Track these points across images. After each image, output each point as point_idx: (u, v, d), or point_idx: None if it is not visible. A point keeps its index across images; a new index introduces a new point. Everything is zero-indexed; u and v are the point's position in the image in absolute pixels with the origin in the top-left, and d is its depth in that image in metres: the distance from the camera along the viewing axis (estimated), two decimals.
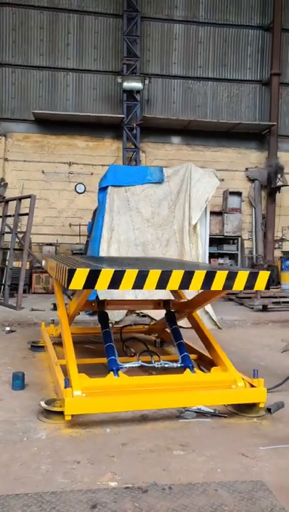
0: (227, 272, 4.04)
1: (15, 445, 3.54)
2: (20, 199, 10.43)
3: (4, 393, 4.68)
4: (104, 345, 4.92)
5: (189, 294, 6.33)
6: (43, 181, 13.99)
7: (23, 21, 13.89)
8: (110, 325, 5.65)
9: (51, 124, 13.86)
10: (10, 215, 10.59)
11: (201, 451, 3.53)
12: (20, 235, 10.84)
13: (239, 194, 14.24)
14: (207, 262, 9.64)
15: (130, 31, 13.83)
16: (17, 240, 10.45)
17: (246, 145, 14.88)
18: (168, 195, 9.02)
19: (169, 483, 3.01)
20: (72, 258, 6.34)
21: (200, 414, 4.20)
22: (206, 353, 5.33)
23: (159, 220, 8.97)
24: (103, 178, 9.42)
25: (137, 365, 4.77)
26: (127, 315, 8.54)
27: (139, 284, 3.81)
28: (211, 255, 11.87)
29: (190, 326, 6.30)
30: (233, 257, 14.08)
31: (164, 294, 6.57)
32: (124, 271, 3.77)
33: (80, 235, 13.67)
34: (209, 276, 3.98)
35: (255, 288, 4.15)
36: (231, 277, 4.03)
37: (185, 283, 3.93)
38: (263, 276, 4.13)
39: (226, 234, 13.76)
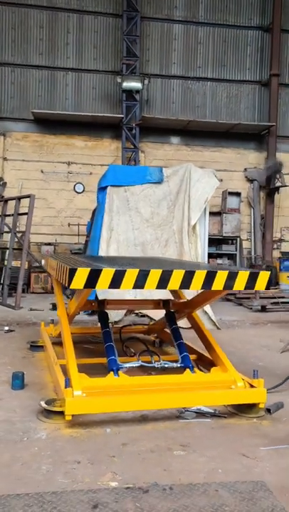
0: (228, 271, 4.04)
1: (15, 445, 3.53)
2: (19, 198, 10.42)
3: (4, 393, 4.68)
4: (104, 345, 4.92)
5: (189, 294, 6.34)
6: (41, 181, 13.97)
7: (23, 20, 13.87)
8: (110, 325, 5.64)
9: (50, 124, 13.84)
10: (9, 215, 10.58)
11: (202, 451, 3.53)
12: (19, 235, 10.82)
13: (238, 194, 14.24)
14: (206, 262, 9.65)
15: (130, 31, 13.82)
16: (16, 240, 10.43)
17: (245, 145, 14.89)
18: (167, 196, 9.03)
19: (170, 484, 3.02)
20: (72, 257, 6.33)
21: (200, 414, 4.21)
22: (206, 354, 5.33)
23: (158, 220, 8.97)
24: (102, 177, 9.42)
25: (137, 365, 4.77)
26: (126, 315, 8.54)
27: (140, 283, 3.82)
28: (210, 255, 11.86)
29: (189, 326, 6.31)
30: (231, 257, 14.08)
31: (164, 295, 6.58)
32: (125, 270, 3.78)
33: (78, 235, 13.66)
34: (210, 276, 3.99)
35: (256, 288, 4.16)
36: (232, 277, 4.04)
37: (186, 283, 3.93)
38: (264, 277, 4.14)
39: (224, 234, 13.76)
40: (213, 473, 3.22)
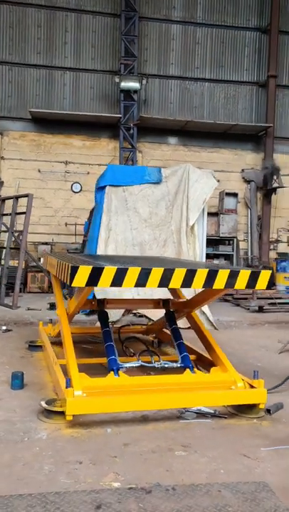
0: (229, 270, 4.05)
1: (16, 445, 3.52)
2: (17, 198, 10.39)
3: (3, 393, 4.66)
4: (104, 345, 4.91)
5: (188, 294, 6.35)
6: (39, 180, 13.93)
7: (21, 19, 13.83)
8: (110, 325, 5.63)
9: (48, 123, 13.80)
10: (6, 214, 10.55)
11: (203, 451, 3.53)
12: (16, 234, 10.78)
13: (235, 195, 14.26)
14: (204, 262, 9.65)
15: (128, 31, 13.81)
16: (13, 239, 10.40)
17: (242, 146, 14.91)
18: (166, 196, 9.03)
19: (173, 484, 3.01)
20: (71, 256, 6.32)
21: (200, 414, 4.21)
22: (205, 354, 5.33)
23: (156, 220, 8.97)
24: (101, 177, 9.40)
25: (137, 365, 4.76)
26: (124, 315, 8.53)
27: (141, 281, 3.82)
28: (207, 256, 11.84)
29: (187, 326, 6.31)
30: (228, 257, 14.08)
31: (163, 295, 6.58)
32: (127, 269, 3.78)
33: (75, 235, 13.63)
34: (211, 275, 4.00)
35: (257, 287, 4.16)
36: (233, 276, 4.05)
37: (188, 281, 3.94)
38: (265, 276, 4.14)
39: (221, 235, 13.77)
40: (215, 473, 3.22)
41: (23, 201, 10.26)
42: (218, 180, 9.72)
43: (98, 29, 14.19)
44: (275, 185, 14.38)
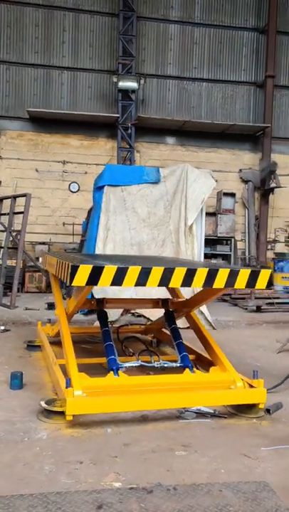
0: (229, 269, 4.06)
1: (16, 445, 3.51)
2: (15, 197, 10.36)
3: (3, 393, 4.65)
4: (103, 345, 4.90)
5: (186, 293, 6.35)
6: (36, 180, 13.91)
7: (18, 18, 13.80)
8: (110, 324, 5.63)
9: (45, 123, 13.78)
10: (4, 214, 10.52)
11: (203, 451, 3.53)
12: (14, 234, 10.75)
13: (233, 195, 14.28)
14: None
15: (126, 30, 13.80)
16: (10, 239, 10.38)
17: (240, 146, 14.93)
18: (164, 196, 9.03)
19: (174, 484, 3.01)
20: (71, 255, 6.31)
21: (200, 414, 4.21)
22: (204, 354, 5.34)
23: (155, 220, 8.97)
24: (99, 177, 9.40)
25: (136, 364, 4.75)
26: (122, 315, 8.52)
27: (142, 281, 3.82)
28: (205, 256, 11.84)
29: (186, 326, 6.32)
30: (226, 257, 14.09)
31: (162, 294, 6.58)
32: (128, 268, 3.78)
33: (73, 234, 13.62)
34: (211, 274, 4.00)
35: (257, 286, 4.17)
36: (233, 275, 4.06)
37: (188, 280, 3.94)
38: (265, 275, 4.15)
39: (219, 235, 13.78)
40: (215, 473, 3.22)
41: (20, 201, 10.24)
42: (216, 181, 9.71)
43: (96, 29, 14.18)
44: (273, 185, 14.40)
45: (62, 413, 3.87)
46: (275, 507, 2.82)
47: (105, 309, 5.60)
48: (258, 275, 4.13)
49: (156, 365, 4.81)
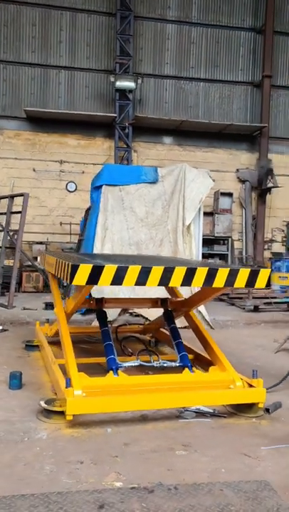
0: (229, 269, 4.07)
1: (16, 445, 3.50)
2: (12, 197, 10.34)
3: (2, 393, 4.64)
4: (103, 344, 4.90)
5: (185, 293, 6.35)
6: (33, 179, 13.87)
7: (15, 18, 13.76)
8: (109, 324, 5.63)
9: (43, 122, 13.75)
10: (1, 213, 10.50)
11: (204, 451, 3.53)
12: (11, 233, 10.73)
13: (230, 195, 14.29)
14: None
15: (123, 30, 13.79)
16: (8, 238, 10.35)
17: (237, 146, 14.94)
18: (162, 195, 9.03)
19: (175, 484, 3.01)
20: (70, 255, 6.30)
21: (199, 414, 4.21)
22: (203, 353, 5.34)
23: (153, 219, 8.97)
24: (97, 176, 9.39)
25: (136, 364, 4.75)
26: (120, 314, 8.52)
27: (142, 280, 3.82)
28: (202, 255, 11.88)
29: (183, 326, 6.33)
30: (223, 257, 14.11)
31: (161, 294, 6.58)
32: (128, 267, 3.77)
33: (70, 234, 13.59)
34: (211, 273, 4.00)
35: (256, 285, 4.17)
36: (233, 274, 4.07)
37: (188, 280, 3.94)
38: (264, 274, 4.16)
39: (216, 234, 13.79)
40: (216, 472, 3.22)
41: (18, 200, 10.21)
42: (214, 180, 9.72)
43: (93, 28, 14.15)
44: (270, 185, 14.43)
45: (62, 413, 3.87)
46: (276, 506, 2.83)
47: (104, 309, 5.60)
48: (257, 274, 4.14)
49: (155, 365, 4.81)
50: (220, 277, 4.02)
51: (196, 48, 14.70)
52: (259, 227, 14.79)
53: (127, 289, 8.31)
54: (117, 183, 8.86)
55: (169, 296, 6.09)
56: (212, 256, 13.85)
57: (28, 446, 3.49)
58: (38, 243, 13.42)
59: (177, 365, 4.84)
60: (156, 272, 3.85)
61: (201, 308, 8.28)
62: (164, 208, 9.03)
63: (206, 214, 13.24)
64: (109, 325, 5.62)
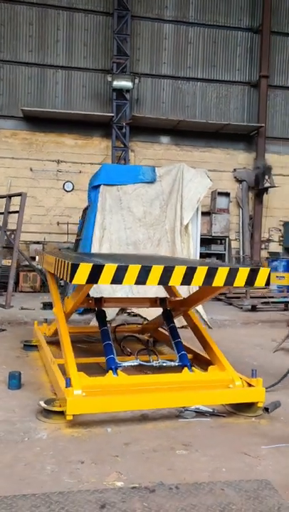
0: (229, 268, 4.07)
1: (17, 445, 3.50)
2: (10, 196, 10.32)
3: (1, 393, 4.63)
4: (102, 344, 4.90)
5: (184, 293, 6.36)
6: (30, 179, 13.85)
7: (12, 17, 13.72)
8: (109, 324, 5.63)
9: (40, 122, 13.73)
10: None
11: (204, 450, 3.54)
12: (8, 233, 10.70)
13: (227, 195, 14.30)
14: None
15: (120, 30, 13.77)
16: (5, 238, 10.32)
17: (234, 146, 14.96)
18: (160, 195, 9.03)
19: (176, 483, 3.01)
20: (68, 254, 6.30)
21: (199, 413, 4.22)
22: (202, 353, 5.35)
23: (150, 219, 8.96)
24: (95, 176, 9.38)
25: (135, 363, 4.75)
26: (118, 314, 8.51)
27: (141, 279, 3.82)
28: (199, 255, 11.90)
29: (181, 325, 6.33)
30: (220, 257, 14.11)
31: (156, 294, 6.58)
32: (128, 266, 3.77)
33: (67, 234, 13.58)
34: (211, 272, 4.01)
35: (256, 284, 4.18)
36: (233, 273, 4.07)
37: (187, 279, 3.95)
38: (264, 273, 4.16)
39: (213, 234, 13.79)
40: (217, 472, 3.23)
41: (15, 200, 10.19)
42: (212, 180, 9.72)
43: (90, 27, 14.14)
44: (267, 184, 14.45)
45: (61, 413, 3.87)
46: (277, 505, 2.83)
47: (103, 308, 5.59)
48: (257, 273, 4.14)
49: (154, 365, 4.81)
50: (219, 276, 4.03)
51: (193, 48, 14.71)
52: (256, 227, 14.82)
53: (124, 289, 8.31)
54: (115, 183, 8.86)
55: (168, 296, 6.09)
56: (209, 255, 13.85)
57: (28, 446, 3.49)
58: (35, 243, 13.39)
59: (176, 364, 4.84)
60: (156, 271, 3.85)
61: (199, 307, 8.29)
62: (162, 208, 9.03)
63: (203, 214, 13.19)
64: (108, 324, 5.61)
